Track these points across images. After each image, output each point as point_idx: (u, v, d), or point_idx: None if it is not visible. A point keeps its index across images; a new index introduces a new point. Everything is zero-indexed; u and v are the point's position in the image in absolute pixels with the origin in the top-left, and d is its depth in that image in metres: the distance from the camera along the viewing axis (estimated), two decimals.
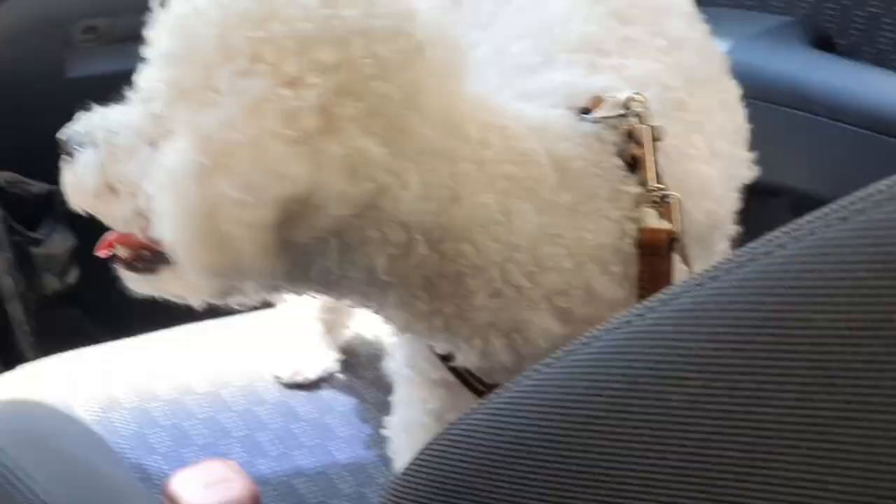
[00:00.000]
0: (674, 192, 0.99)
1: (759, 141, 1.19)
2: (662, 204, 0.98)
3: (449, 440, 0.72)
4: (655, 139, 0.99)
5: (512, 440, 0.67)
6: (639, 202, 0.98)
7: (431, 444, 0.74)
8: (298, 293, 1.03)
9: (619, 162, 0.99)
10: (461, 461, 0.70)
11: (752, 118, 1.21)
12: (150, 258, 1.01)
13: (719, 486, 0.57)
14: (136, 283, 1.03)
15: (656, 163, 0.99)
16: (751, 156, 1.16)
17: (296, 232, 0.89)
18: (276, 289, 1.00)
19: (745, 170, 1.15)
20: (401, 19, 0.91)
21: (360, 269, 0.93)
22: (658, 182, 0.98)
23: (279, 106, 0.86)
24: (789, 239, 0.57)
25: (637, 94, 1.00)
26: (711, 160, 1.07)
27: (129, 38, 1.96)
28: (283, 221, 0.88)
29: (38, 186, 2.02)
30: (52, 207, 2.04)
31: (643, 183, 0.98)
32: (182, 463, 1.26)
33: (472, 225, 0.92)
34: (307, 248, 0.91)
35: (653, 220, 0.98)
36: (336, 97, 0.86)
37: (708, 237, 1.07)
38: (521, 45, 1.14)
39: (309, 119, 0.86)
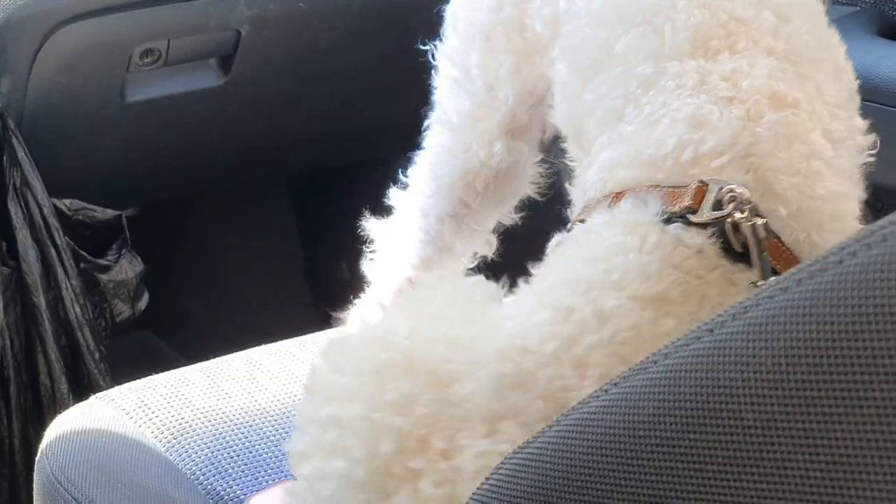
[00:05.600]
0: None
1: None
2: None
3: (516, 464, 0.70)
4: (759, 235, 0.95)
5: (581, 464, 0.65)
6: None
7: (499, 467, 0.72)
8: None
9: (726, 262, 0.95)
10: (529, 487, 0.68)
11: None
12: None
13: None
14: None
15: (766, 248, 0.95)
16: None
17: None
18: None
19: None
20: None
21: None
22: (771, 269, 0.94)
23: None
24: (861, 247, 0.55)
25: (734, 187, 0.95)
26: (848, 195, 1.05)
27: (186, 61, 2.00)
28: None
29: (103, 212, 2.03)
30: (119, 233, 2.06)
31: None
32: (257, 487, 1.25)
33: None
34: None
35: None
36: None
37: None
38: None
39: None
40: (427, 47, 1.45)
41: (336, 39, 2.08)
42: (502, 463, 0.71)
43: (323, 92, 2.16)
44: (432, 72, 1.44)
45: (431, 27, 1.44)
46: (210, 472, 1.27)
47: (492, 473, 0.71)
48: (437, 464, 0.83)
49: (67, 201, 2.00)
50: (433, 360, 0.87)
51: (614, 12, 1.13)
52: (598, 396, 0.66)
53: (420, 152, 1.48)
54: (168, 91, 1.98)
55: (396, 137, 1.61)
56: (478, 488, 0.72)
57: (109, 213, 2.04)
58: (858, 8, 1.57)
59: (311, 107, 2.18)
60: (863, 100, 1.43)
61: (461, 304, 0.96)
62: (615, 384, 0.65)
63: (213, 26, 1.96)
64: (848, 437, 0.54)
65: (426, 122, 1.46)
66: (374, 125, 2.25)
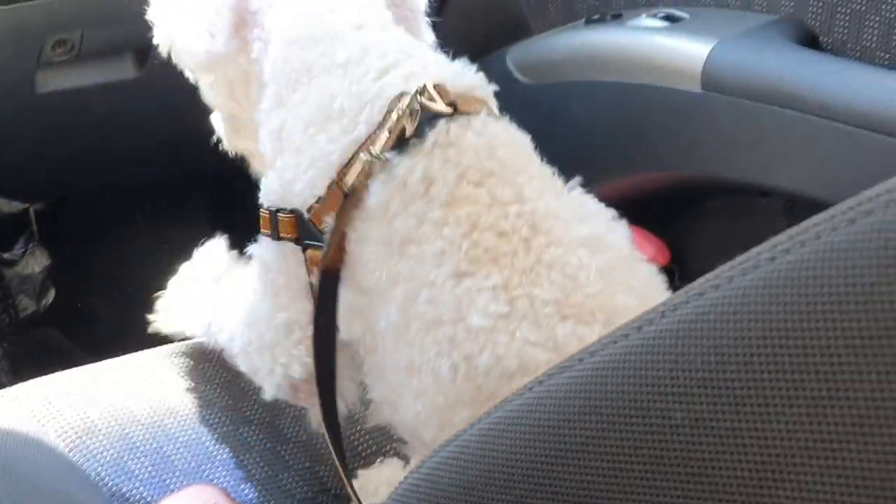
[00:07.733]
0: None
1: (747, 141, 1.16)
2: None
3: (438, 462, 0.69)
4: None
5: (503, 463, 0.64)
6: None
7: (421, 466, 0.71)
8: None
9: None
10: (451, 485, 0.67)
11: (739, 118, 1.18)
12: None
13: None
14: None
15: None
16: None
17: None
18: None
19: None
20: None
21: None
22: None
23: None
24: (794, 244, 0.54)
25: None
26: None
27: (100, 53, 1.96)
28: None
29: (9, 205, 1.99)
30: (26, 227, 2.02)
31: None
32: (165, 489, 1.23)
33: None
34: None
35: None
36: None
37: None
38: None
39: None
40: None
41: None
42: (423, 461, 0.69)
43: None
44: None
45: None
46: (115, 473, 1.24)
47: (412, 472, 0.70)
48: None
49: None
50: None
51: None
52: (522, 394, 0.64)
53: None
54: (81, 83, 1.94)
55: None
56: (398, 485, 0.70)
57: (16, 205, 2.00)
58: (776, 17, 1.58)
59: None
60: (780, 108, 1.45)
61: None
62: (540, 382, 0.64)
63: (129, 17, 1.92)
64: (777, 437, 0.53)
65: None
66: None
